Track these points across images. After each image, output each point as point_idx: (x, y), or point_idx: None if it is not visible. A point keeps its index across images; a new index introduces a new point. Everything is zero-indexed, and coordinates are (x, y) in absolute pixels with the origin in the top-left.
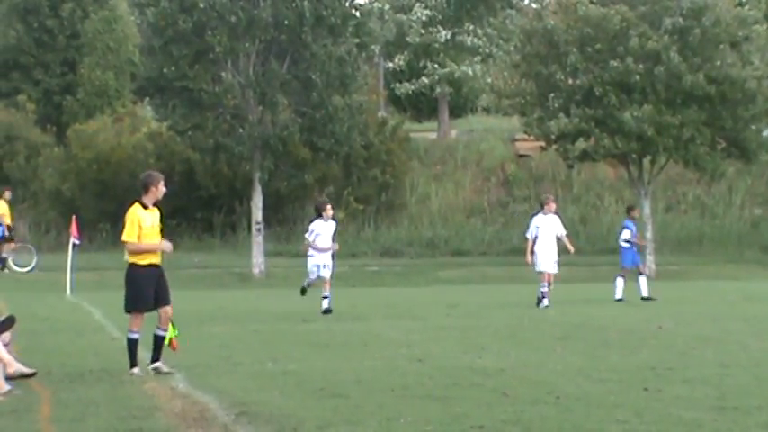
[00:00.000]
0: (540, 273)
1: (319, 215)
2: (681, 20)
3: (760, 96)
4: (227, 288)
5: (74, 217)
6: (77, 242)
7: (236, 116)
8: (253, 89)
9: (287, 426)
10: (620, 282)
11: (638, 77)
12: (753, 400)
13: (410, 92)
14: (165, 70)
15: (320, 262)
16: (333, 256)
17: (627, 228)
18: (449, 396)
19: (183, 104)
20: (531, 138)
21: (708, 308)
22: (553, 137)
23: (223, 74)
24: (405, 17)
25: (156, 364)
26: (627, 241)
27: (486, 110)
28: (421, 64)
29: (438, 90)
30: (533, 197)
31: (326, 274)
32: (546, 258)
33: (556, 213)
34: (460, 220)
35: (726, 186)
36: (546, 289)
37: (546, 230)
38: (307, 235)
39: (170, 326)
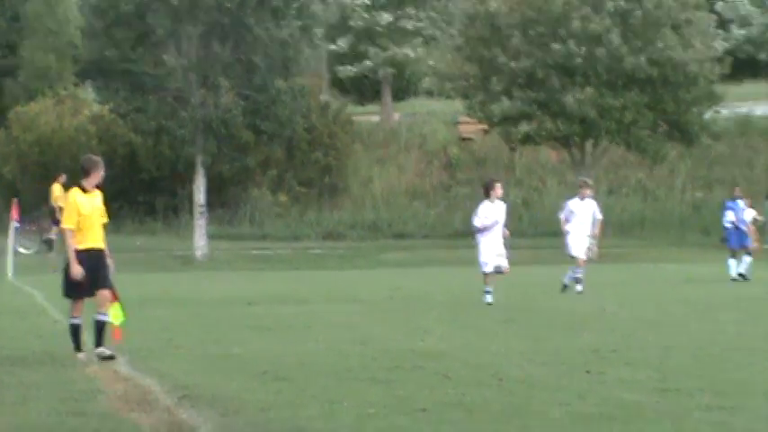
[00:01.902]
0: (573, 257)
1: (487, 195)
2: (622, 2)
3: (701, 79)
4: (170, 271)
5: (15, 200)
6: (18, 225)
7: (179, 99)
8: (195, 72)
9: (230, 408)
10: (731, 262)
11: (579, 60)
12: (694, 382)
13: (353, 75)
14: (106, 53)
15: (494, 251)
16: (506, 244)
17: (729, 209)
18: (391, 379)
19: (124, 87)
20: (474, 121)
21: (650, 291)
22: (496, 120)
23: (165, 56)
24: (348, 0)
25: (100, 350)
26: (731, 222)
27: (429, 93)
28: (363, 47)
29: (381, 73)
30: (476, 180)
31: (504, 263)
32: (578, 244)
33: (593, 198)
34: (403, 202)
35: (667, 169)
36: (580, 275)
37: (580, 216)
38: (474, 221)
39: (118, 312)
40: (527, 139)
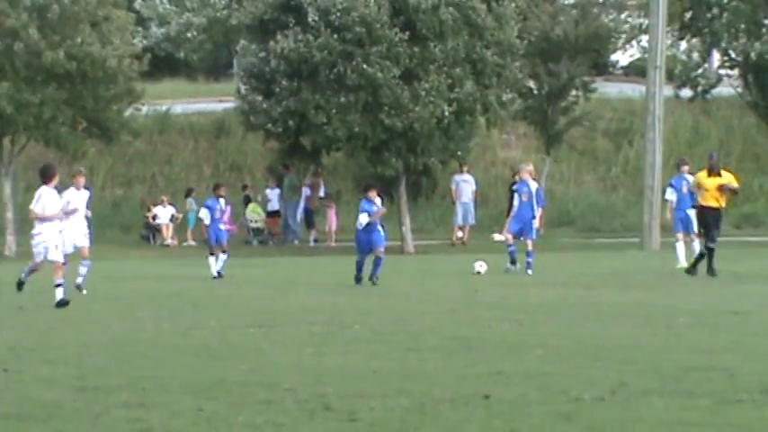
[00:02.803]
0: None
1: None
2: None
3: (121, 76)
4: None
5: None
6: None
7: None
8: None
9: None
10: (212, 259)
11: None
12: (112, 379)
13: None
14: None
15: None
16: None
17: (206, 207)
18: None
19: None
20: None
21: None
22: None
23: None
24: None
25: None
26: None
27: None
28: None
29: None
30: None
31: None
32: (78, 234)
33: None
34: None
35: (88, 167)
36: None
37: (76, 205)
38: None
39: None
40: None
